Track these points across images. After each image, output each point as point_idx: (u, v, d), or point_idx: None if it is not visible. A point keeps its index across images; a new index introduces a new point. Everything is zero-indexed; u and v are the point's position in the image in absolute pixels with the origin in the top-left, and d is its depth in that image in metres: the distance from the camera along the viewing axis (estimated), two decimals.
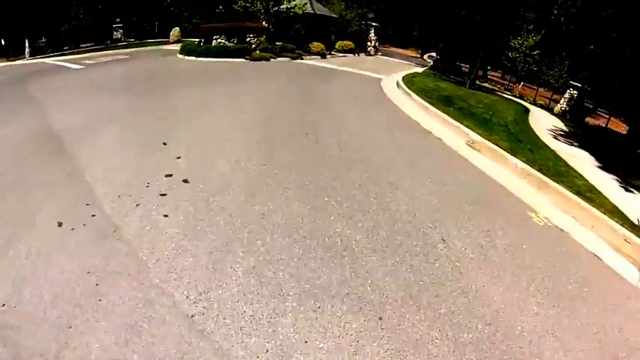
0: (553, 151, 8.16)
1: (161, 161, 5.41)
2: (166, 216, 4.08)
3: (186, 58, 16.89)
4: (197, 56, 16.61)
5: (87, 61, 16.72)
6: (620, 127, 18.29)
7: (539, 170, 6.60)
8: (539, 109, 16.04)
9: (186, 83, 11.52)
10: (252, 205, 4.38)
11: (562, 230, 5.09)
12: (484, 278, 3.82)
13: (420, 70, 21.20)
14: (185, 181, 4.84)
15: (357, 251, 3.82)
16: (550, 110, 17.96)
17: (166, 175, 4.95)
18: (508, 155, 7.06)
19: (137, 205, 4.26)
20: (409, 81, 14.19)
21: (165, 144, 6.03)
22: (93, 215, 4.02)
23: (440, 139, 8.05)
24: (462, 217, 4.82)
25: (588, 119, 18.67)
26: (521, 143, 7.90)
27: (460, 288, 3.62)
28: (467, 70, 25.61)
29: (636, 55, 13.98)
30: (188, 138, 6.37)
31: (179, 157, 5.53)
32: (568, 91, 17.92)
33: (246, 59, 16.67)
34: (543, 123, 11.97)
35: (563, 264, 4.34)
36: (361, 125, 8.25)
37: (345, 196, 4.81)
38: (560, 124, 12.66)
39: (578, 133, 11.84)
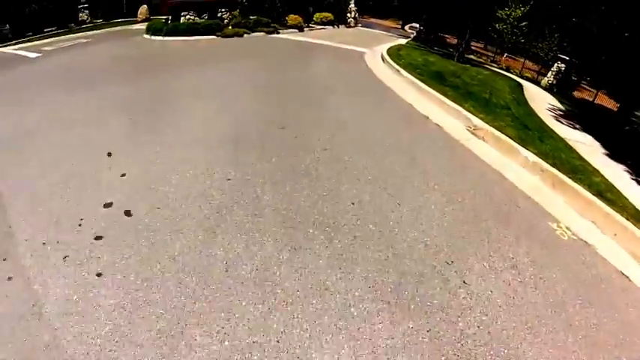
0: (562, 138, 7.17)
1: (102, 181, 4.14)
2: (100, 275, 2.90)
3: (153, 38, 14.94)
4: (164, 35, 14.67)
5: (46, 48, 14.67)
6: (604, 100, 17.51)
7: (553, 165, 5.62)
8: (531, 84, 15.00)
9: (144, 70, 9.76)
10: (212, 249, 3.21)
11: (587, 243, 4.23)
12: (517, 335, 2.88)
13: (403, 41, 19.76)
14: (128, 213, 3.61)
15: (358, 317, 2.75)
16: (537, 84, 16.98)
17: (105, 205, 3.71)
18: (517, 146, 6.04)
19: (65, 257, 3.08)
20: (395, 55, 12.83)
21: (109, 154, 4.72)
22: (9, 278, 2.85)
23: (439, 125, 6.93)
24: (481, 241, 3.81)
25: (575, 93, 17.79)
26: (529, 130, 6.86)
27: (491, 357, 2.64)
28: (451, 41, 24.27)
29: (625, 28, 13.04)
30: (136, 145, 5.05)
31: (124, 175, 4.25)
32: (556, 64, 16.88)
33: (218, 36, 14.84)
34: (540, 101, 10.96)
35: (597, 295, 3.50)
36: (346, 112, 6.94)
37: (336, 224, 3.66)
38: (556, 102, 11.67)
39: (575, 112, 10.89)
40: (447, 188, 4.61)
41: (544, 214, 4.69)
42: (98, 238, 3.30)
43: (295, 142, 5.29)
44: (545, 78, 17.62)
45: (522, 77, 17.29)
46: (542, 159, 5.75)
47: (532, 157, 5.78)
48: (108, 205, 3.72)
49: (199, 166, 4.40)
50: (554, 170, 5.49)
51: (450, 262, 3.44)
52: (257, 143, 5.15)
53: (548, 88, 16.57)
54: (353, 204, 3.93)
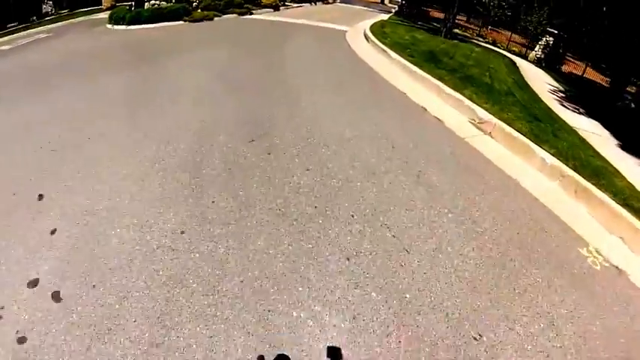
0: (574, 130, 6.20)
1: (29, 242, 2.97)
2: None
3: (115, 27, 13.14)
4: (127, 24, 12.84)
5: (3, 47, 13.05)
6: (590, 74, 16.60)
7: (574, 169, 4.70)
8: (522, 61, 13.92)
9: (95, 69, 8.05)
10: (162, 358, 2.16)
11: (619, 270, 3.46)
12: None
13: (384, 17, 18.35)
14: (56, 296, 2.52)
15: None
16: (525, 58, 15.97)
17: (30, 284, 2.61)
18: (532, 144, 5.07)
19: None
20: (380, 33, 11.52)
21: (40, 197, 3.52)
22: None
23: (439, 119, 5.85)
24: (511, 294, 2.89)
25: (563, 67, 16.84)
26: (540, 122, 5.85)
27: None
28: (434, 15, 22.81)
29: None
30: (72, 179, 3.80)
31: (54, 231, 3.09)
32: (544, 38, 15.82)
33: (186, 21, 13.10)
34: (537, 80, 9.93)
35: (637, 350, 2.72)
36: (330, 112, 5.66)
37: (328, 298, 2.58)
38: (553, 81, 10.68)
39: (574, 93, 9.90)
40: (462, 215, 3.60)
41: (572, 236, 3.82)
42: (22, 340, 2.23)
43: (269, 162, 4.07)
44: (533, 52, 16.62)
45: (510, 52, 16.23)
46: (562, 161, 4.81)
47: (550, 159, 4.83)
48: (33, 284, 2.62)
49: (146, 213, 3.20)
50: (578, 177, 4.58)
51: (479, 337, 2.49)
52: (221, 168, 3.92)
53: (536, 62, 15.64)
54: (348, 259, 2.85)
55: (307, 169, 3.92)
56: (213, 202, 3.31)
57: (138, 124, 5.03)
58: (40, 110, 5.71)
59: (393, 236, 3.12)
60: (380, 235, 3.10)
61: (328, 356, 2.21)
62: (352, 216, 3.26)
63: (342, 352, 2.26)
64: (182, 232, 2.98)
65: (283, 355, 2.05)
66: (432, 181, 4.02)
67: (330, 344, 2.28)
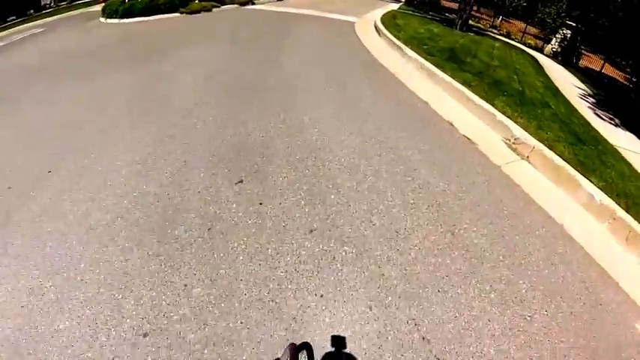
0: (619, 153, 5.22)
1: None
2: None
3: (108, 21, 12.16)
4: (120, 17, 11.80)
5: None
6: (608, 69, 15.30)
7: (626, 208, 3.82)
8: (541, 56, 12.75)
9: (76, 72, 7.16)
10: None
11: None
12: None
13: (394, 6, 17.05)
14: None
15: None
16: (541, 51, 14.72)
17: None
18: (578, 176, 4.16)
19: None
20: (392, 25, 10.36)
21: None
22: None
23: (469, 138, 4.87)
24: None
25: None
26: (583, 144, 4.89)
27: None
28: (445, 4, 21.27)
29: None
30: (20, 238, 2.97)
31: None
32: (560, 30, 14.53)
33: (182, 13, 11.96)
34: (565, 83, 8.82)
35: None
36: (339, 126, 4.73)
37: None
38: (578, 81, 9.58)
39: (603, 97, 8.81)
40: (506, 292, 2.71)
41: (628, 305, 3.00)
42: None
43: (260, 218, 3.03)
44: (549, 45, 15.35)
45: (525, 45, 14.97)
46: (612, 198, 3.92)
47: (599, 195, 3.94)
48: None
49: (101, 299, 2.32)
50: (628, 217, 3.71)
51: None
52: (198, 227, 2.92)
53: (552, 56, 14.44)
54: None
55: (310, 230, 2.95)
56: (185, 286, 2.44)
57: (105, 154, 4.12)
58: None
59: (423, 338, 2.26)
60: (408, 339, 2.23)
61: (332, 345, 2.06)
62: (369, 308, 2.36)
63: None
64: (145, 335, 2.15)
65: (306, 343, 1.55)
66: (470, 241, 3.11)
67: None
